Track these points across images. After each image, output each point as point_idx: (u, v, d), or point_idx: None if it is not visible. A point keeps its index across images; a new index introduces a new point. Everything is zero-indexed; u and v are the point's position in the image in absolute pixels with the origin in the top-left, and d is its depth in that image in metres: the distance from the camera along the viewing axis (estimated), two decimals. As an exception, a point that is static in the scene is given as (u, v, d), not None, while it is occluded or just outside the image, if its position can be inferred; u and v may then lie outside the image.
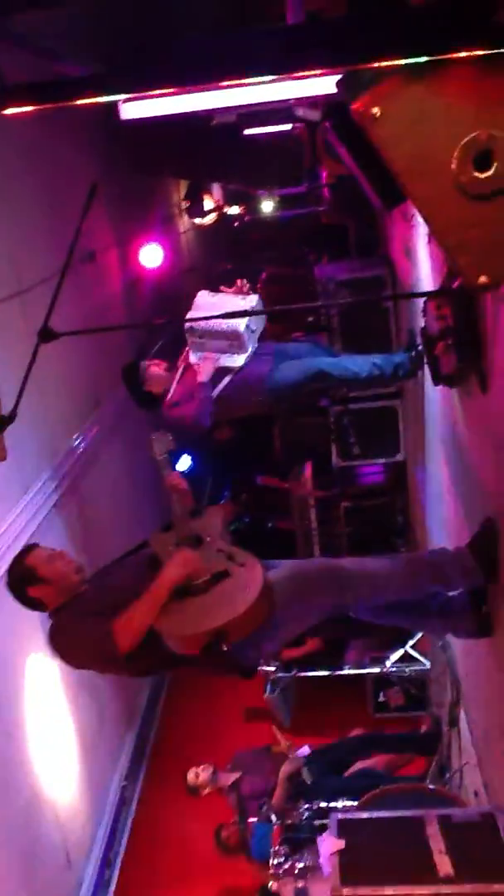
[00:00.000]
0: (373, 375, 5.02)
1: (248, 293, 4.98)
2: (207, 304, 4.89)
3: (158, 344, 6.28)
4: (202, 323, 4.70)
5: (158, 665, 3.08)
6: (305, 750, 5.43)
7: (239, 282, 5.01)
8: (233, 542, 3.21)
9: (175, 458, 3.48)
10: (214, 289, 5.07)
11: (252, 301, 4.90)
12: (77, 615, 3.06)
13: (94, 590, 3.18)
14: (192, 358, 4.90)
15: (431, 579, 3.15)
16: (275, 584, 3.00)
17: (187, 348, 4.96)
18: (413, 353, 4.93)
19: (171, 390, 4.91)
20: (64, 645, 3.09)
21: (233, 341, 4.81)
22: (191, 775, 5.63)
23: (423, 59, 1.86)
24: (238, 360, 4.89)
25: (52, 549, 3.28)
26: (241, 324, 4.75)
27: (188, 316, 4.84)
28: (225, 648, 2.78)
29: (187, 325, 4.80)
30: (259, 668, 3.28)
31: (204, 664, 3.00)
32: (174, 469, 3.45)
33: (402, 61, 1.90)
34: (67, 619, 3.09)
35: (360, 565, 3.16)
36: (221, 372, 4.87)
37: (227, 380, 4.87)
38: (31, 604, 3.22)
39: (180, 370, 4.97)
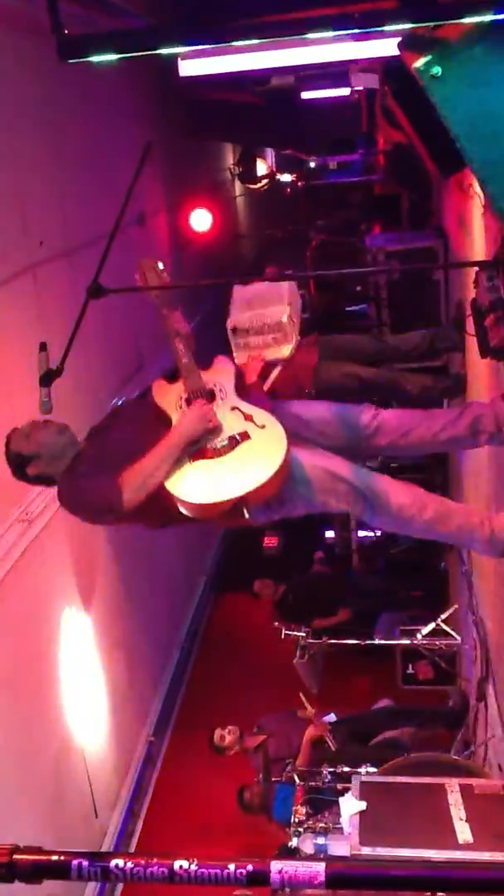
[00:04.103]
0: (421, 394, 5.05)
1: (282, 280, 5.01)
2: (247, 299, 4.89)
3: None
4: (246, 321, 4.70)
5: (168, 521, 2.91)
6: (332, 717, 5.48)
7: (269, 270, 5.02)
8: (247, 399, 2.94)
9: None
10: (246, 281, 5.06)
11: (291, 286, 4.89)
12: (81, 474, 2.92)
13: (96, 446, 3.02)
14: (239, 361, 4.89)
15: (458, 529, 2.95)
16: (300, 465, 2.82)
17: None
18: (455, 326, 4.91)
19: None
20: (72, 503, 2.96)
21: (276, 333, 4.80)
22: (217, 735, 5.71)
23: (488, 17, 1.83)
24: (284, 352, 4.86)
25: (28, 424, 3.06)
26: (283, 315, 4.73)
27: (230, 315, 4.81)
28: (247, 516, 2.65)
29: (230, 325, 4.76)
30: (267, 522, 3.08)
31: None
32: (174, 309, 3.03)
33: (467, 20, 1.87)
34: (72, 478, 2.95)
35: (396, 495, 2.91)
36: (269, 366, 4.86)
37: (275, 373, 4.87)
38: (41, 481, 3.08)
39: None
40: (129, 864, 0.96)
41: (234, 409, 2.84)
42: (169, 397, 2.96)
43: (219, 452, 2.74)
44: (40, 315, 4.91)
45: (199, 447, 2.76)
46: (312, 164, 10.47)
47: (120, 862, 0.96)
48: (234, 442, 2.75)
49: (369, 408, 3.10)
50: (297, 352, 4.87)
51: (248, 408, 2.85)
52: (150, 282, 2.99)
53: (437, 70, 1.98)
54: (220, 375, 3.00)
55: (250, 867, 0.95)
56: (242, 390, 3.01)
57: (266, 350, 4.78)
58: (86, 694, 5.42)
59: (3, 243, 4.64)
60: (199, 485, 2.71)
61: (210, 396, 2.90)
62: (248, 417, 2.80)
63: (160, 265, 3.03)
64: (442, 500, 2.99)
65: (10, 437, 3.07)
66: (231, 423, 2.80)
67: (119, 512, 2.76)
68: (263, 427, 2.77)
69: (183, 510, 2.75)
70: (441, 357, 6.26)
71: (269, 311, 4.72)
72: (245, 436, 2.75)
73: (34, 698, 4.79)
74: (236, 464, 2.71)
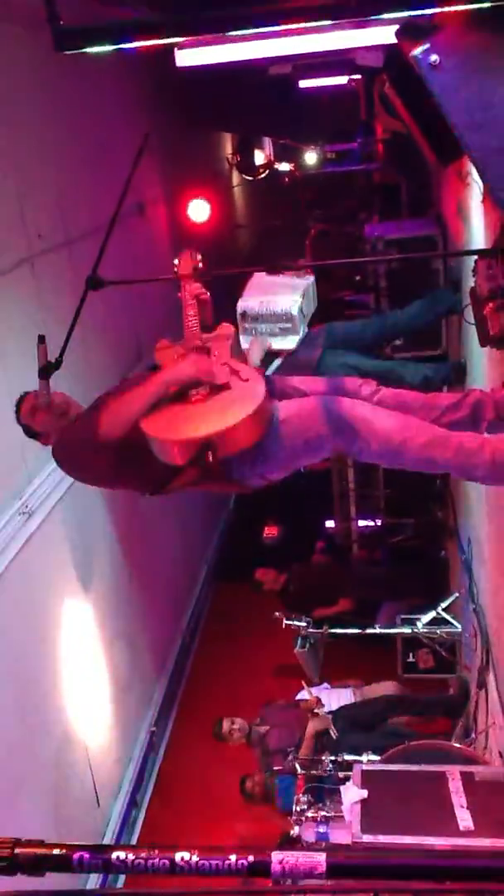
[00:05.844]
0: (421, 385, 5.04)
1: (306, 274, 4.95)
2: (263, 285, 4.85)
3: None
4: (255, 306, 4.67)
5: (155, 474, 2.88)
6: (325, 686, 5.50)
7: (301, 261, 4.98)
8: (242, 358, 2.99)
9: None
10: (273, 270, 5.02)
11: (309, 280, 4.86)
12: (70, 427, 3.03)
13: (91, 407, 3.09)
14: (243, 343, 4.87)
15: (454, 455, 2.80)
16: (283, 415, 2.84)
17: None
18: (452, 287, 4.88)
19: None
20: (59, 453, 3.07)
21: (285, 324, 4.79)
22: (225, 726, 5.74)
23: (487, 4, 1.82)
24: (289, 343, 4.85)
25: (34, 398, 3.07)
26: (294, 306, 4.71)
27: (243, 296, 4.79)
28: (210, 460, 2.62)
29: (240, 309, 4.75)
30: (261, 486, 3.07)
31: (200, 478, 2.85)
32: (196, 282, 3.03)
33: (465, 7, 1.86)
34: (67, 429, 3.06)
35: (380, 421, 2.83)
36: (271, 355, 4.83)
37: (277, 362, 4.85)
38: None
39: None
40: (131, 857, 0.96)
41: (224, 364, 2.87)
42: (167, 353, 3.02)
43: (199, 398, 2.78)
44: (39, 307, 4.90)
45: (181, 392, 2.81)
46: (311, 153, 10.42)
47: (121, 854, 0.97)
48: (214, 390, 2.78)
49: (370, 383, 3.09)
50: (302, 346, 4.87)
51: (237, 364, 2.88)
52: (184, 270, 3.04)
53: (434, 58, 1.97)
54: (219, 338, 3.03)
55: (251, 858, 0.96)
56: (237, 354, 3.06)
57: (273, 338, 4.78)
58: (88, 684, 5.44)
59: (1, 235, 4.62)
60: (167, 423, 2.75)
61: (206, 353, 2.93)
62: (235, 372, 2.83)
63: (198, 257, 3.07)
64: (434, 427, 2.88)
65: (18, 412, 3.14)
66: (218, 376, 2.84)
67: (95, 443, 2.81)
68: (247, 381, 2.81)
69: (154, 450, 2.76)
70: (440, 345, 6.27)
71: (280, 299, 4.70)
72: (226, 386, 2.79)
73: (36, 689, 4.80)
74: (209, 409, 2.75)
